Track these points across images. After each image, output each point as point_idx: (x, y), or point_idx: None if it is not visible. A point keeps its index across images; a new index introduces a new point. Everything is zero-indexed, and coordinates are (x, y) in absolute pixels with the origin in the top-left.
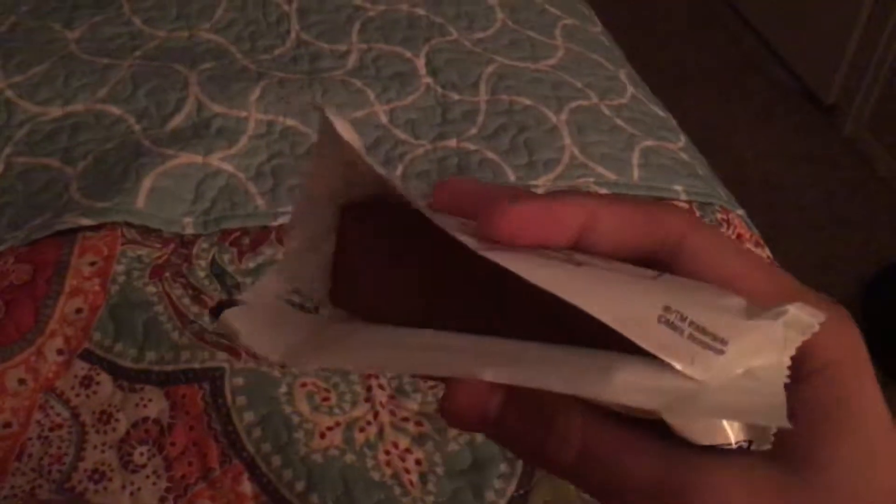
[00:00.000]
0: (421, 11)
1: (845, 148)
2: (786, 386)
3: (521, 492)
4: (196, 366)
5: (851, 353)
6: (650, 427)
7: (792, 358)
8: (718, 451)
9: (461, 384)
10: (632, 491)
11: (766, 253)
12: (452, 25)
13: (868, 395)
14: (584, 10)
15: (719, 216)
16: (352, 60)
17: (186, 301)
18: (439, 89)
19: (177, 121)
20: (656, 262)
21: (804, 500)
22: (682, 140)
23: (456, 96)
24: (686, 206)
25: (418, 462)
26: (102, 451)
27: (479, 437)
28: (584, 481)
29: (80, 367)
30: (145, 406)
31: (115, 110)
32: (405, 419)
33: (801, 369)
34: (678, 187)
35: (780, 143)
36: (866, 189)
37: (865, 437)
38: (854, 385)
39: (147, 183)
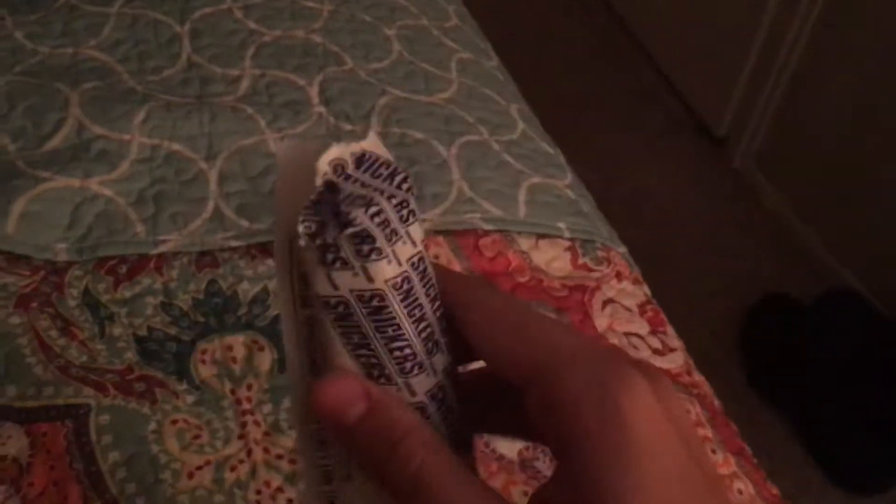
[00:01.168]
0: (318, 39)
1: (734, 180)
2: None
3: None
4: (59, 402)
5: (625, 434)
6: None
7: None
8: None
9: (333, 382)
10: None
11: (643, 290)
12: (349, 54)
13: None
14: (480, 43)
15: (600, 253)
16: (244, 86)
17: (53, 333)
18: (332, 119)
19: (55, 142)
20: (456, 335)
21: None
22: (569, 177)
23: (348, 126)
24: (569, 243)
25: (289, 502)
26: None
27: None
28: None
29: None
30: (3, 444)
31: None
32: (279, 457)
33: (563, 434)
34: (562, 224)
35: (672, 174)
36: (753, 221)
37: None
38: (615, 471)
39: (18, 207)
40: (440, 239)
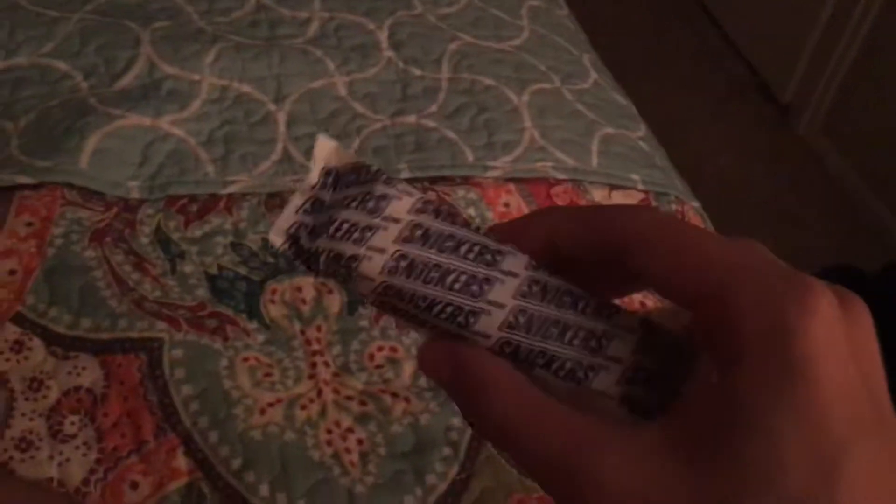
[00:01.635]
0: None
1: (799, 147)
2: (714, 367)
3: (463, 476)
4: (133, 335)
5: (787, 354)
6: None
7: (719, 338)
8: (621, 430)
9: (423, 348)
10: (535, 462)
11: None
12: None
13: (794, 396)
14: None
15: (675, 207)
16: (312, 29)
17: (127, 268)
18: (401, 64)
19: (126, 80)
20: (618, 260)
21: (699, 499)
22: (643, 129)
23: (417, 72)
24: (643, 195)
25: (360, 442)
26: (31, 419)
27: (423, 420)
28: (507, 449)
29: (12, 332)
30: (79, 374)
31: (62, 66)
32: (349, 398)
33: (730, 350)
34: (635, 176)
35: (734, 139)
36: (817, 189)
37: (774, 445)
38: (774, 385)
39: (91, 143)
40: (511, 186)
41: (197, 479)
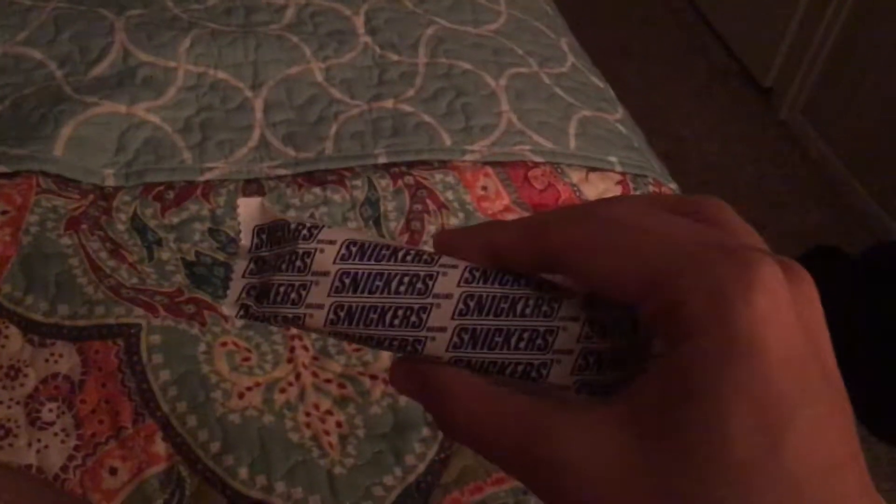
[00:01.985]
0: None
1: (780, 131)
2: (662, 346)
3: (442, 456)
4: (111, 321)
5: (731, 328)
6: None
7: (666, 316)
8: (578, 412)
9: (392, 368)
10: (503, 457)
11: None
12: None
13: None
14: None
15: (652, 189)
16: (288, 15)
17: (104, 255)
18: (377, 49)
19: (101, 68)
20: (557, 270)
21: (647, 468)
22: (620, 112)
23: (394, 57)
24: (620, 177)
25: (339, 424)
26: (9, 407)
27: (402, 401)
28: (478, 450)
29: None
30: (56, 361)
31: (36, 54)
32: (328, 381)
33: (677, 331)
34: (613, 158)
35: (716, 124)
36: (799, 173)
37: (718, 416)
38: (718, 357)
39: (66, 131)
40: (489, 170)
41: (176, 464)
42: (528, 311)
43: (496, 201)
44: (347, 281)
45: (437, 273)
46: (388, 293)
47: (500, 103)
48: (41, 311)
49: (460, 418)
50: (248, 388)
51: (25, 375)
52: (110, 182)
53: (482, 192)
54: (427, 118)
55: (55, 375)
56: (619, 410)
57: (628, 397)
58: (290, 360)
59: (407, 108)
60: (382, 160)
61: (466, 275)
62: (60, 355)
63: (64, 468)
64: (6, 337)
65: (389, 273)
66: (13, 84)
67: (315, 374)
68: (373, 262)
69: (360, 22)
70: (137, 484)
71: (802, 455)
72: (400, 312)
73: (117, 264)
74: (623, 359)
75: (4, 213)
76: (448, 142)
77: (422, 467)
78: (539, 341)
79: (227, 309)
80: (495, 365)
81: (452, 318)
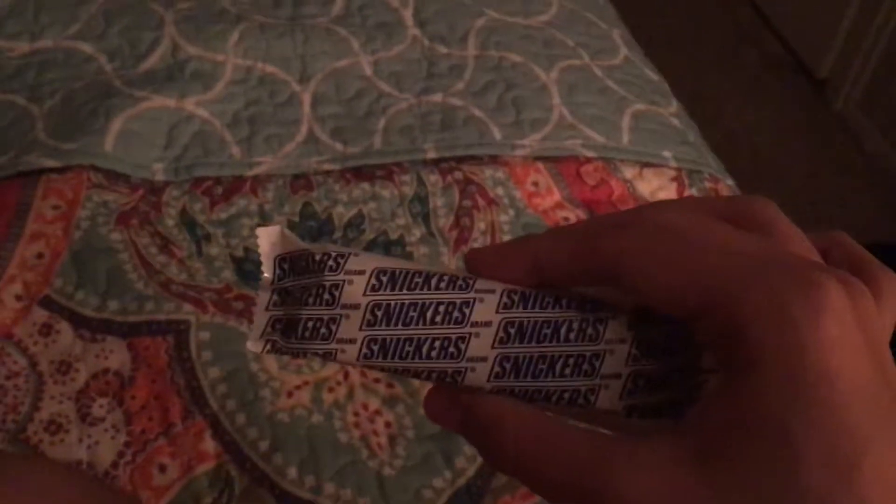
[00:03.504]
0: None
1: (835, 123)
2: (723, 375)
3: None
4: (161, 317)
5: (800, 357)
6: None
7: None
8: (634, 443)
9: (428, 397)
10: (555, 490)
11: None
12: None
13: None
14: None
15: (708, 184)
16: (336, 8)
17: (153, 250)
18: (426, 41)
19: (150, 62)
20: (608, 282)
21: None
22: (674, 105)
23: (443, 49)
24: (675, 172)
25: (388, 425)
26: (60, 402)
27: None
28: (527, 483)
29: (40, 315)
30: (106, 357)
31: (87, 48)
32: (376, 380)
33: (740, 358)
34: (667, 153)
35: (769, 116)
36: (854, 166)
37: (792, 449)
38: (789, 390)
39: (116, 125)
40: (539, 165)
41: (225, 462)
42: (572, 335)
43: (547, 197)
44: (380, 313)
45: (474, 300)
46: (424, 324)
47: (551, 97)
48: (92, 306)
49: (510, 451)
50: (297, 387)
51: (76, 371)
52: (160, 176)
53: (533, 188)
54: (477, 112)
55: (105, 371)
56: (680, 444)
57: (689, 429)
58: None
59: (456, 101)
60: (431, 155)
61: (505, 299)
62: (111, 351)
63: (114, 465)
64: (57, 332)
65: (424, 302)
66: (64, 78)
67: (363, 374)
68: (405, 292)
69: (408, 14)
70: (187, 481)
71: (877, 485)
72: (437, 344)
73: (167, 260)
74: (674, 378)
75: (56, 207)
76: (498, 136)
77: (472, 470)
78: (585, 367)
79: (253, 345)
80: (540, 393)
81: (493, 348)
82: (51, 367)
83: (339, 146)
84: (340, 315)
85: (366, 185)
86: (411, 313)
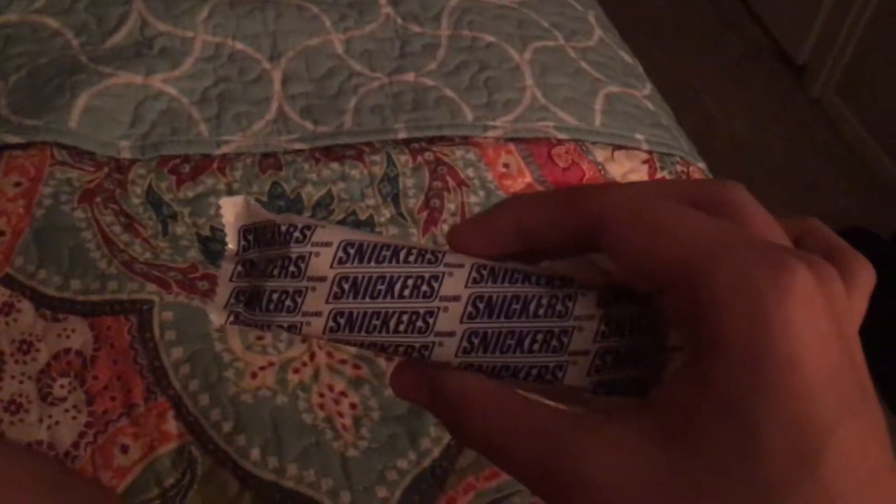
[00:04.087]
0: None
1: (813, 109)
2: (686, 357)
3: None
4: (123, 297)
5: (765, 339)
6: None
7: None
8: (599, 423)
9: (395, 372)
10: (521, 469)
11: None
12: None
13: (773, 389)
14: None
15: (679, 168)
16: None
17: (117, 229)
18: (399, 20)
19: (117, 37)
20: (589, 244)
21: (677, 486)
22: (648, 88)
23: (416, 28)
24: (646, 155)
25: (353, 406)
26: (21, 382)
27: None
28: (495, 461)
29: (1, 293)
30: (68, 337)
31: (53, 23)
32: (342, 361)
33: (706, 336)
34: (640, 136)
35: (748, 102)
36: (832, 152)
37: (752, 434)
38: (753, 374)
39: (82, 102)
40: (511, 147)
41: (187, 443)
42: (541, 311)
43: (518, 179)
44: (346, 286)
45: (443, 274)
46: (392, 297)
47: (524, 78)
48: (54, 285)
49: (477, 427)
50: (262, 368)
51: (37, 350)
52: (126, 154)
53: (504, 170)
54: (449, 92)
55: (67, 351)
56: (645, 424)
57: (654, 409)
58: (304, 340)
59: (428, 81)
60: (402, 135)
61: (474, 274)
62: (73, 330)
63: (75, 445)
64: (18, 311)
65: (392, 276)
66: (29, 53)
67: (330, 355)
68: (373, 265)
69: None
70: (149, 462)
71: (841, 472)
72: (405, 318)
73: (131, 239)
74: (641, 355)
75: (18, 184)
76: (470, 117)
77: (437, 451)
78: (554, 343)
79: (215, 316)
80: (508, 369)
81: (461, 322)
82: (11, 346)
83: (309, 125)
84: (307, 287)
85: (335, 165)
86: (379, 286)
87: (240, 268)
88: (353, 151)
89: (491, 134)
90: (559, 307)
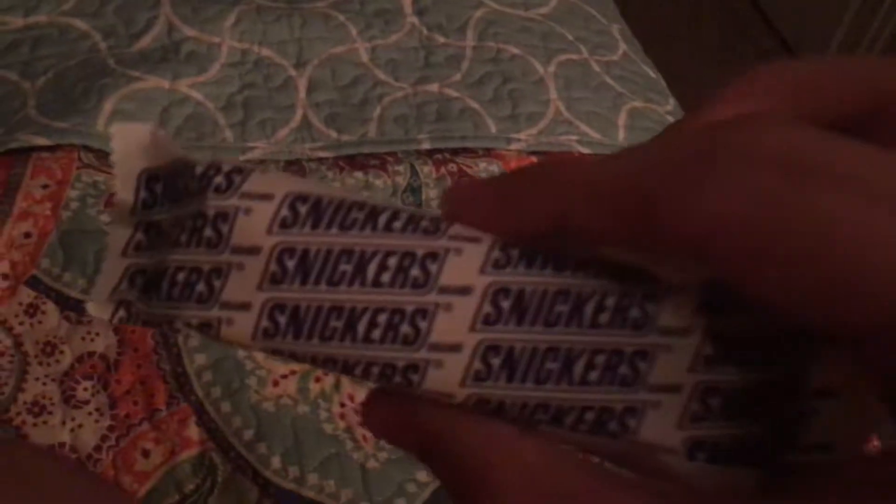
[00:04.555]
0: None
1: None
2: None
3: None
4: None
5: None
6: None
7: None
8: None
9: (370, 406)
10: None
11: None
12: None
13: None
14: None
15: None
16: None
17: None
18: (425, 30)
19: (145, 41)
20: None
21: None
22: (671, 104)
23: (441, 39)
24: None
25: None
26: (44, 384)
27: None
28: None
29: (26, 295)
30: (92, 340)
31: (81, 25)
32: None
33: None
34: None
35: None
36: None
37: None
38: None
39: (109, 105)
40: (534, 160)
41: (208, 449)
42: (603, 317)
43: None
44: (291, 264)
45: (446, 251)
46: (362, 285)
47: (548, 91)
48: (79, 287)
49: None
50: (283, 377)
51: (61, 353)
52: None
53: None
54: (473, 104)
55: (91, 354)
56: None
57: (815, 497)
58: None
59: (452, 92)
60: (426, 146)
61: (496, 254)
62: (97, 334)
63: (97, 448)
64: (43, 313)
65: (364, 250)
66: (58, 55)
67: None
68: (335, 232)
69: (407, 2)
70: (170, 467)
71: None
72: (382, 318)
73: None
74: (764, 402)
75: (45, 187)
76: (493, 129)
77: None
78: (624, 370)
79: (95, 307)
80: (546, 411)
81: (473, 330)
82: (35, 347)
83: (333, 133)
84: (230, 264)
85: (359, 174)
86: (342, 267)
87: (140, 235)
88: (376, 161)
89: (514, 146)
90: (634, 312)
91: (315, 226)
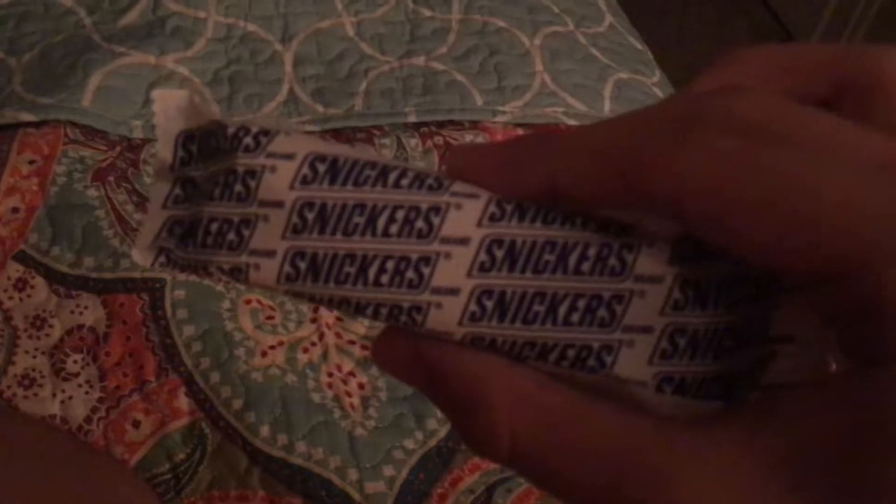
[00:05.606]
0: None
1: None
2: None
3: None
4: (136, 275)
5: None
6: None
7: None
8: (687, 437)
9: (381, 343)
10: (578, 498)
11: None
12: None
13: None
14: None
15: None
16: None
17: (130, 207)
18: (410, 4)
19: (130, 17)
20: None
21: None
22: (657, 75)
23: (427, 12)
24: None
25: (361, 386)
26: (34, 357)
27: None
28: (533, 481)
29: (15, 269)
30: (81, 313)
31: (66, 1)
32: (351, 342)
33: (872, 346)
34: None
35: None
36: None
37: None
38: None
39: (95, 81)
40: (520, 132)
41: (198, 419)
42: (585, 265)
43: None
44: (311, 216)
45: (448, 206)
46: (373, 235)
47: (534, 63)
48: (67, 262)
49: (502, 438)
50: (272, 347)
51: (51, 326)
52: (138, 134)
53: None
54: (459, 77)
55: (80, 327)
56: (765, 444)
57: (776, 424)
58: (313, 320)
59: (439, 65)
60: (412, 119)
61: (493, 208)
62: (86, 307)
63: (87, 419)
64: (32, 287)
65: (375, 204)
66: (43, 30)
67: (338, 335)
68: (350, 188)
69: None
70: (160, 438)
71: None
72: (390, 265)
73: (143, 217)
74: (728, 343)
75: (31, 162)
76: (479, 102)
77: (443, 432)
78: (602, 312)
79: (139, 254)
80: (532, 347)
81: (469, 276)
82: (25, 321)
83: (319, 107)
84: (257, 215)
85: None
86: (356, 219)
87: (178, 189)
88: (363, 134)
89: (500, 119)
90: (612, 261)
91: (332, 182)
